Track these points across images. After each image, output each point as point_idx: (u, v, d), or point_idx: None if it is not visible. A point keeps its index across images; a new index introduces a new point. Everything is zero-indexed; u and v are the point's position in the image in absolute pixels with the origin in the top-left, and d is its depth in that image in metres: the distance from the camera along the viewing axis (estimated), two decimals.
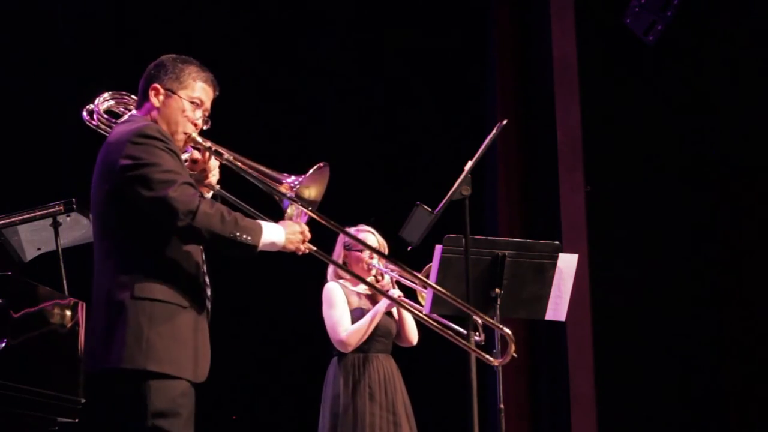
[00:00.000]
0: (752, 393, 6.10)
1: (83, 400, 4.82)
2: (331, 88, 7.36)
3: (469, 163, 3.71)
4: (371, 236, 4.87)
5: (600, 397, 6.39)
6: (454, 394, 4.44)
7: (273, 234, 3.09)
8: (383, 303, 4.74)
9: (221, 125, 3.36)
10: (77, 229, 5.28)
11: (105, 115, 3.40)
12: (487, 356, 3.63)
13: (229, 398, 6.98)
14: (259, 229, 3.05)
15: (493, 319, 3.88)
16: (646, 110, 6.59)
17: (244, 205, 3.26)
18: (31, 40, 6.75)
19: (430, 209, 3.66)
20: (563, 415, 6.47)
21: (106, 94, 3.45)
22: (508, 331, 3.60)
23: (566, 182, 6.66)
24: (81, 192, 3.17)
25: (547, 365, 6.84)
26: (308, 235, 3.20)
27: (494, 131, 3.75)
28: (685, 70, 6.51)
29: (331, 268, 4.97)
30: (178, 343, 2.96)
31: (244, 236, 2.99)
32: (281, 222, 3.18)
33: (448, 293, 3.63)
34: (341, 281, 4.90)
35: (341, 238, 4.86)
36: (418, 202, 3.68)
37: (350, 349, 4.73)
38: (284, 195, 3.24)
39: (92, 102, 3.42)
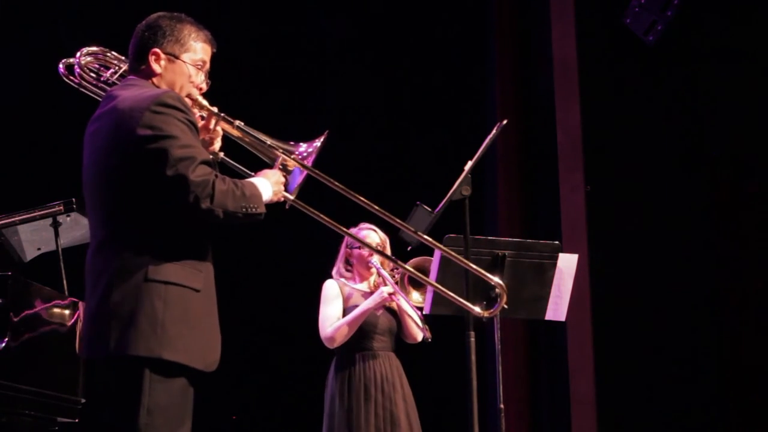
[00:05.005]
0: (753, 393, 6.09)
1: (83, 400, 4.83)
2: (331, 87, 7.36)
3: (469, 163, 3.71)
4: (373, 234, 4.90)
5: (600, 397, 6.39)
6: (454, 394, 4.44)
7: (266, 192, 2.99)
8: (370, 300, 4.77)
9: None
10: (77, 229, 5.29)
11: (90, 73, 3.23)
12: (476, 308, 3.49)
13: (231, 397, 6.98)
14: (260, 194, 2.94)
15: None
16: (646, 110, 6.58)
17: (242, 168, 3.15)
18: (31, 40, 6.76)
19: (430, 209, 3.66)
20: (563, 415, 6.47)
21: (89, 48, 3.25)
22: (498, 280, 3.53)
23: (566, 182, 6.66)
24: (81, 192, 3.03)
25: (547, 365, 6.84)
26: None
27: (494, 131, 3.74)
28: (685, 70, 6.50)
29: (336, 266, 5.00)
30: (192, 330, 2.83)
31: (252, 206, 2.89)
32: (261, 174, 3.07)
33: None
34: (342, 279, 4.93)
35: (346, 237, 4.89)
36: (418, 202, 3.67)
37: (336, 344, 4.76)
38: (303, 165, 3.13)
39: (73, 56, 3.23)
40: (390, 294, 4.76)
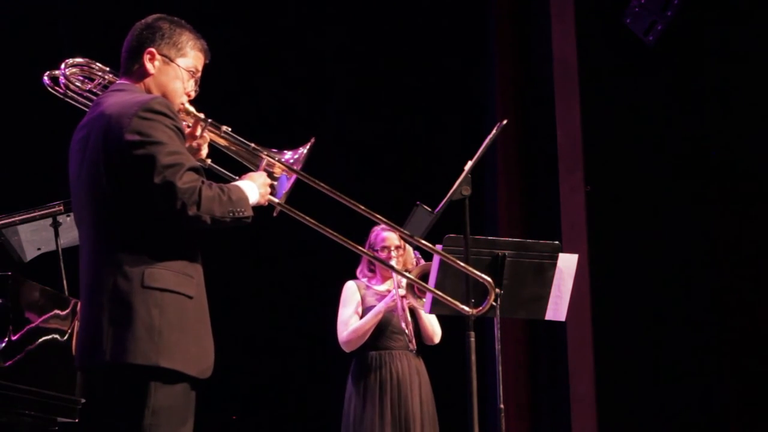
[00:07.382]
0: (752, 393, 6.09)
1: (83, 400, 4.83)
2: (331, 87, 7.36)
3: (469, 163, 3.71)
4: (393, 235, 4.91)
5: (600, 397, 6.39)
6: (454, 394, 4.44)
7: (252, 195, 2.96)
8: (382, 303, 4.78)
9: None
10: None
11: (75, 83, 3.23)
12: (465, 307, 3.50)
13: (231, 398, 6.97)
14: (246, 197, 2.92)
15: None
16: (646, 110, 6.58)
17: (228, 173, 3.13)
18: (31, 39, 6.75)
19: (430, 209, 3.66)
20: (563, 415, 6.47)
21: (74, 60, 3.23)
22: (486, 278, 3.53)
23: (566, 182, 6.66)
24: None
25: (547, 365, 6.84)
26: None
27: (494, 131, 3.74)
28: (685, 70, 6.50)
29: (360, 267, 5.02)
30: (187, 337, 2.80)
31: (239, 210, 2.87)
32: (246, 177, 3.05)
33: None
34: (363, 280, 4.96)
35: (369, 238, 4.91)
36: (418, 202, 3.67)
37: (351, 348, 4.80)
38: (293, 169, 3.11)
39: (57, 68, 3.21)
40: (402, 297, 4.76)
